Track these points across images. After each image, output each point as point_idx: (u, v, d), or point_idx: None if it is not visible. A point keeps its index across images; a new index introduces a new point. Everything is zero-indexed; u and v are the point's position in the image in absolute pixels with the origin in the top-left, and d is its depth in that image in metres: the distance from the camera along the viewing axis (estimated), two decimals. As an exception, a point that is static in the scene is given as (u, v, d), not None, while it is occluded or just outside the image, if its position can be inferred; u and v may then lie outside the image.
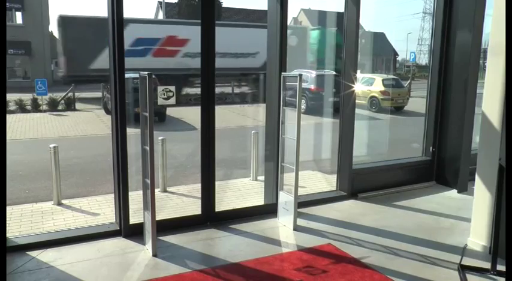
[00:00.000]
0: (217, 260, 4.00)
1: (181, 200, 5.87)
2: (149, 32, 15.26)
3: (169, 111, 12.24)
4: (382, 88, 15.04)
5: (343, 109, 5.65)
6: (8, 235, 4.19)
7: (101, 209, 5.43)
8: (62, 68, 16.25)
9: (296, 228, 4.69)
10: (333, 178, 6.09)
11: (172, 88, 5.80)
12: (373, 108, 14.70)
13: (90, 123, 12.52)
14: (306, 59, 16.55)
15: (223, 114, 13.41)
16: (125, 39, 4.01)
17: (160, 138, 6.42)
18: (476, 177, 4.30)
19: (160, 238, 4.28)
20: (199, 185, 4.85)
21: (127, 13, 4.20)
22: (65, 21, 15.70)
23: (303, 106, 12.76)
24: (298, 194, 4.76)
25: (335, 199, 5.66)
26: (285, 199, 4.84)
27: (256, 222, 4.88)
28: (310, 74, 14.10)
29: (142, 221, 4.28)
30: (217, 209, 4.89)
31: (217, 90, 4.97)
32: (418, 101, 12.96)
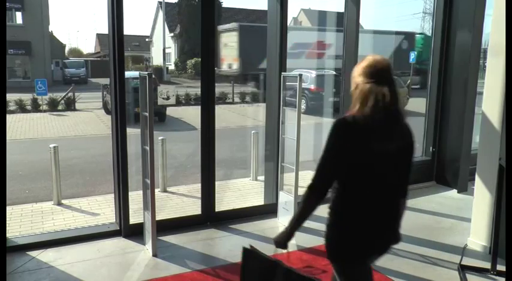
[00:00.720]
0: (217, 260, 4.00)
1: (181, 200, 5.87)
2: (304, 38, 17.60)
3: (169, 111, 12.24)
4: (382, 88, 15.02)
5: (343, 109, 5.65)
6: (8, 235, 4.19)
7: (101, 209, 5.42)
8: (237, 68, 19.44)
9: (296, 228, 4.68)
10: (333, 178, 6.07)
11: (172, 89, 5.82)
12: (373, 108, 14.68)
13: (90, 123, 12.52)
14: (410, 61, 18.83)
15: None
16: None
17: (160, 138, 6.42)
18: (476, 177, 4.30)
19: (160, 238, 4.28)
20: (199, 185, 4.85)
21: (127, 13, 4.24)
22: (242, 29, 19.20)
23: (303, 106, 12.76)
24: (298, 194, 4.76)
25: (335, 199, 5.64)
26: (285, 199, 4.83)
27: (256, 222, 4.88)
28: (310, 74, 14.08)
29: (142, 221, 4.28)
30: (217, 209, 4.89)
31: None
32: (418, 101, 12.93)
